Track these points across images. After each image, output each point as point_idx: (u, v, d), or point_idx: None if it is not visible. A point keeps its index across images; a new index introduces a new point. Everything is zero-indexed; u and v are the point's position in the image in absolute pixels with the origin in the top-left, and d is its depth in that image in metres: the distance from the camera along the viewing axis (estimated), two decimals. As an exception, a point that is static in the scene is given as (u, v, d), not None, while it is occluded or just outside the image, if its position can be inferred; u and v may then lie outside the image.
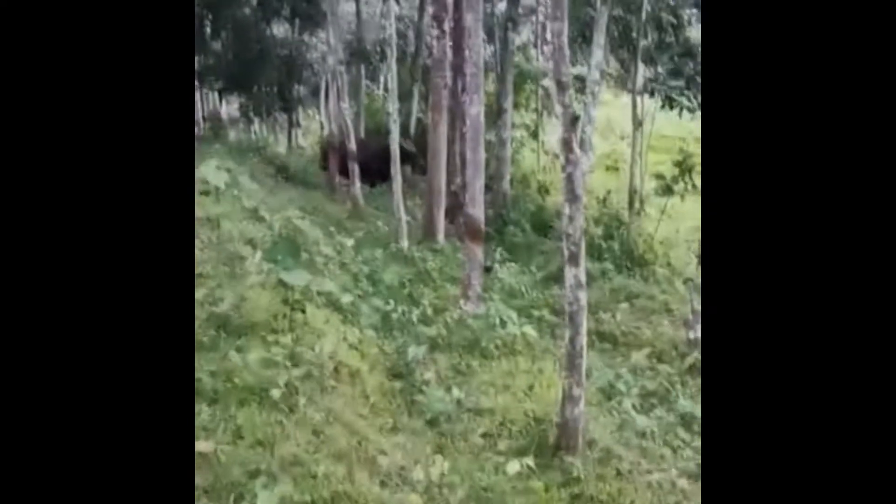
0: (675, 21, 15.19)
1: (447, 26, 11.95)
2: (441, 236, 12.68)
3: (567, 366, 5.24)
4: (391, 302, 8.92)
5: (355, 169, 14.55)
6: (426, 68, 19.25)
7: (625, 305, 11.19)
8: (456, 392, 6.25)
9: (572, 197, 4.92)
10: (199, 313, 5.07)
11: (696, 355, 8.67)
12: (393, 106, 11.42)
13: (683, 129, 24.21)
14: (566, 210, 4.95)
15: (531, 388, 6.78)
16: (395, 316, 8.38)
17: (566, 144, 4.87)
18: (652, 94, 16.34)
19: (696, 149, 17.66)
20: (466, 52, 8.32)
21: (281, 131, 28.86)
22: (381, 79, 29.26)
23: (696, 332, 9.04)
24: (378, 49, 20.29)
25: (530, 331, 8.45)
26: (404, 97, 26.13)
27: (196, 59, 24.65)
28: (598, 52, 11.04)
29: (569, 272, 5.08)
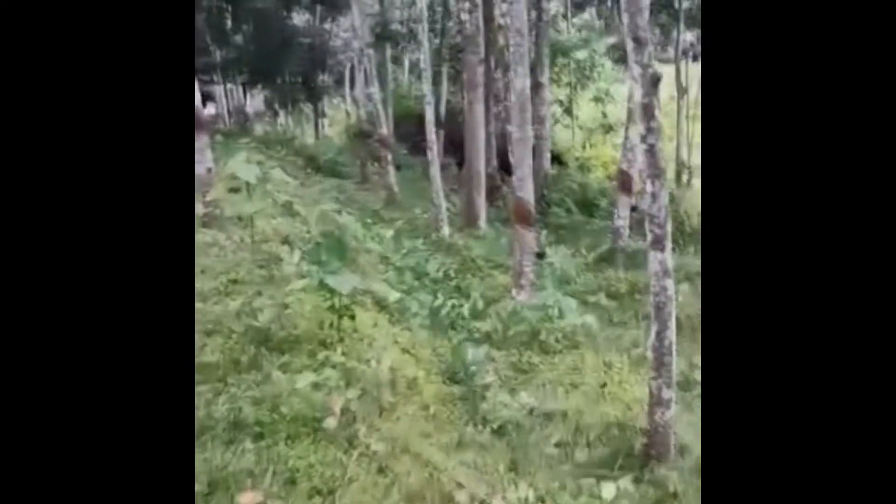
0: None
1: (479, -1, 11.25)
2: (483, 222, 12.02)
3: (655, 364, 4.58)
4: (439, 296, 8.33)
5: (388, 156, 13.92)
6: (453, 48, 18.54)
7: (685, 286, 10.44)
8: (522, 396, 5.63)
9: (655, 172, 4.24)
10: (236, 326, 4.49)
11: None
12: (427, 87, 10.73)
13: None
14: (649, 187, 4.28)
15: (603, 386, 6.15)
16: (444, 311, 7.78)
17: (646, 111, 4.21)
18: (695, 58, 15.52)
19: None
20: (508, 20, 7.61)
21: (307, 122, 28.35)
22: (406, 61, 28.66)
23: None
24: (407, 28, 19.52)
25: (591, 320, 7.79)
26: (432, 79, 25.67)
27: (218, 52, 24.29)
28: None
29: (653, 258, 4.42)
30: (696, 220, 12.89)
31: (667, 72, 19.17)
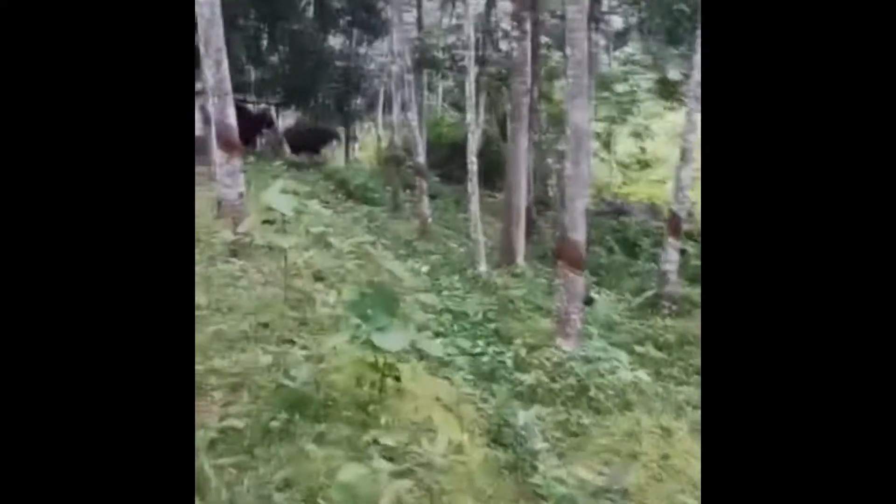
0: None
1: (528, 25, 10.76)
2: (521, 258, 11.44)
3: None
4: (479, 342, 7.75)
5: (423, 185, 13.40)
6: (492, 76, 18.10)
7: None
8: (579, 470, 5.00)
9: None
10: (266, 382, 3.93)
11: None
12: (471, 115, 10.21)
13: None
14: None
15: (665, 458, 5.51)
16: (485, 359, 7.19)
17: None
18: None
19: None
20: (568, 50, 7.07)
21: (338, 145, 28.06)
22: (439, 88, 28.35)
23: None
24: (449, 55, 19.12)
25: (643, 376, 7.17)
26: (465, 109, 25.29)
27: (252, 72, 24.13)
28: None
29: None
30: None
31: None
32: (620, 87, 18.88)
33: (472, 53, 10.23)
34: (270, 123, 22.54)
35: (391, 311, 3.60)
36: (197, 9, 7.38)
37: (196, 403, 3.85)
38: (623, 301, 10.67)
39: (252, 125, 19.77)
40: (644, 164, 21.94)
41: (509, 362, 7.17)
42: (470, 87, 10.15)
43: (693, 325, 10.14)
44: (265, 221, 5.40)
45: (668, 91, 16.97)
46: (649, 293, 10.60)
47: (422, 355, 5.91)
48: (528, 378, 6.87)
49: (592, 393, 6.68)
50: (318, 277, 7.00)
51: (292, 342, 4.56)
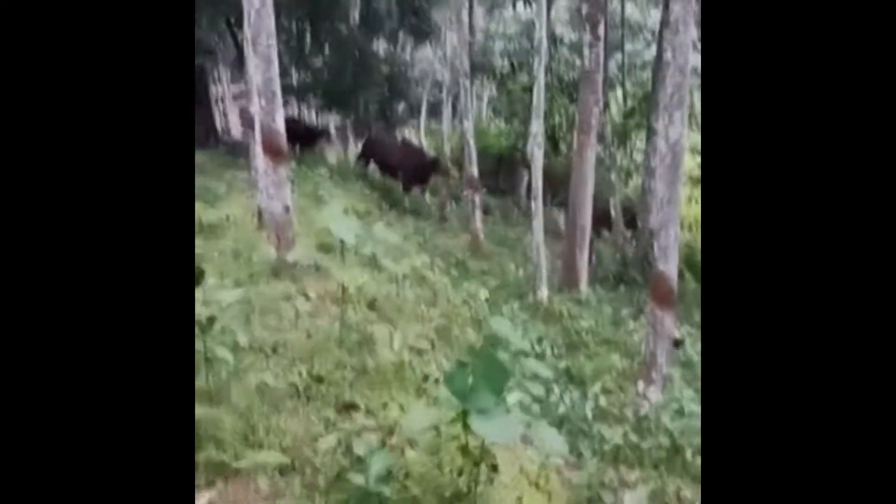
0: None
1: (601, 29, 9.80)
2: (584, 284, 10.45)
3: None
4: (552, 386, 6.79)
5: (476, 199, 12.48)
6: (554, 84, 17.13)
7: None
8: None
9: None
10: (324, 464, 3.02)
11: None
12: (537, 126, 9.26)
13: None
14: None
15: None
16: (561, 410, 6.23)
17: None
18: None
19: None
20: (670, 55, 6.11)
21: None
22: (485, 96, 27.53)
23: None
24: (508, 60, 18.22)
25: (743, 433, 6.13)
26: (510, 118, 24.37)
27: (294, 75, 23.48)
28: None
29: None
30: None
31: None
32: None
33: (543, 59, 9.26)
34: (328, 139, 21.33)
35: (498, 388, 2.68)
36: (245, 2, 6.57)
37: (232, 491, 2.96)
38: (696, 331, 9.59)
39: (308, 138, 18.41)
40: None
41: (589, 413, 6.21)
42: (539, 96, 9.19)
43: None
44: (321, 248, 4.51)
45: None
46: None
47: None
48: (613, 434, 5.90)
49: (689, 456, 5.69)
50: (372, 306, 6.11)
51: (354, 406, 3.65)
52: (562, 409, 6.19)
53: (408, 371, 4.45)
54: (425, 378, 4.45)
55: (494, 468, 3.14)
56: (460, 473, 3.10)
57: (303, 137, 18.07)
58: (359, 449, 3.00)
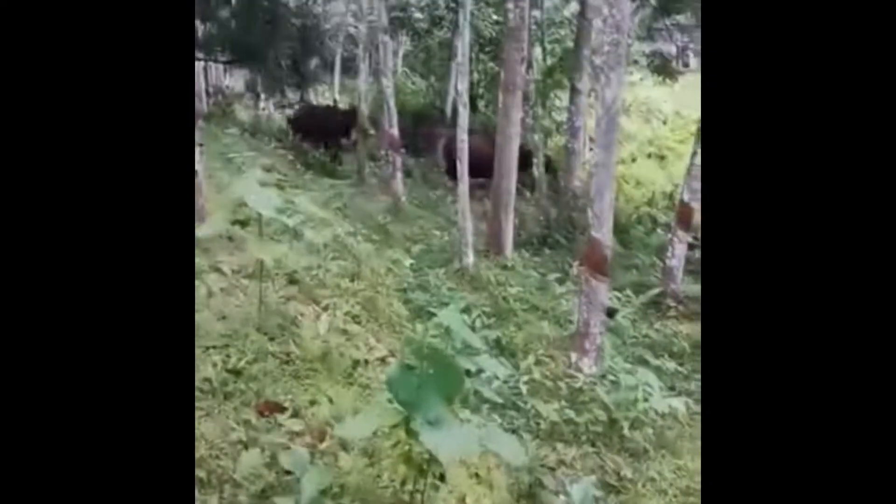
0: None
1: (527, -16, 9.41)
2: (510, 249, 10.20)
3: None
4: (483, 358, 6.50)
5: (397, 160, 12.01)
6: (477, 41, 16.64)
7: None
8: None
9: None
10: (250, 483, 2.60)
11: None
12: (463, 85, 8.80)
13: None
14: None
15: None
16: (495, 385, 5.95)
17: None
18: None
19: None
20: (606, 10, 5.77)
21: (290, 108, 26.36)
22: (399, 52, 26.83)
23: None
24: (428, 15, 17.57)
25: (678, 404, 6.02)
26: (427, 75, 23.77)
27: (201, 27, 22.22)
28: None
29: None
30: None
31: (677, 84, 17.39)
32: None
33: (468, 12, 8.80)
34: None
35: (449, 396, 2.32)
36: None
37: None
38: (624, 298, 9.48)
39: (333, 128, 16.63)
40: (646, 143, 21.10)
41: (524, 388, 5.95)
42: (464, 52, 8.73)
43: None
44: (236, 222, 4.03)
45: (662, 65, 15.83)
46: (655, 291, 9.45)
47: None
48: (548, 410, 5.66)
49: (626, 431, 5.53)
50: (293, 280, 5.64)
51: (280, 408, 3.22)
52: (496, 385, 5.92)
53: (335, 357, 4.05)
54: (355, 364, 4.07)
55: (441, 477, 2.79)
56: (403, 484, 2.74)
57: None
58: (286, 462, 2.60)
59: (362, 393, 3.82)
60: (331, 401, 3.51)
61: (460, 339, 3.02)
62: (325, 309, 5.16)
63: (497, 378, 6.04)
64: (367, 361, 4.48)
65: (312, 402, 3.42)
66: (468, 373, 5.03)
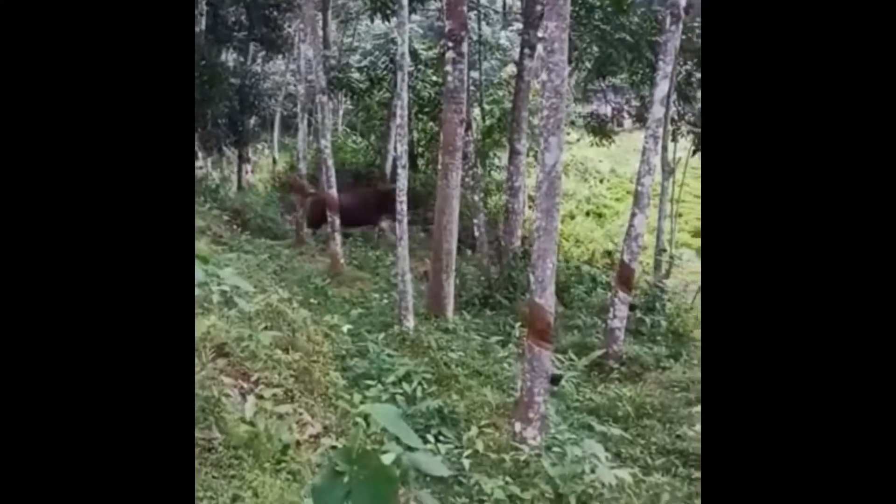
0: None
1: (465, 47, 9.44)
2: (451, 311, 10.01)
3: None
4: (423, 430, 6.23)
5: (335, 221, 11.78)
6: (416, 101, 16.70)
7: (699, 409, 8.63)
8: None
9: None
10: None
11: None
12: (401, 147, 8.68)
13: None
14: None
15: None
16: (438, 458, 5.69)
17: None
18: (674, 136, 14.14)
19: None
20: (545, 75, 5.74)
21: (227, 166, 26.03)
22: (340, 111, 26.83)
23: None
24: (367, 76, 17.54)
25: (625, 475, 5.84)
26: (367, 134, 23.81)
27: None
28: (665, 84, 8.64)
29: None
30: (690, 323, 11.21)
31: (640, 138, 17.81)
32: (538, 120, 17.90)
33: (406, 74, 8.74)
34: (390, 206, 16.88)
35: (384, 501, 2.08)
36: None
37: None
38: (567, 362, 9.34)
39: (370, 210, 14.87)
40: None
41: (466, 463, 5.70)
42: (403, 113, 8.64)
43: (646, 391, 9.00)
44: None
45: (598, 127, 16.11)
46: (598, 353, 9.35)
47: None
48: (490, 485, 5.42)
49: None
50: (222, 353, 5.33)
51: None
52: (438, 459, 5.65)
53: (263, 441, 3.76)
54: (284, 449, 3.78)
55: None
56: None
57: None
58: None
59: (292, 482, 3.53)
60: (256, 494, 3.21)
61: (396, 437, 2.79)
62: (256, 383, 4.86)
63: (439, 453, 5.81)
64: (298, 443, 4.19)
65: (235, 499, 3.12)
66: (410, 448, 4.77)
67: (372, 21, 18.55)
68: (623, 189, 24.31)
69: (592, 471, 5.64)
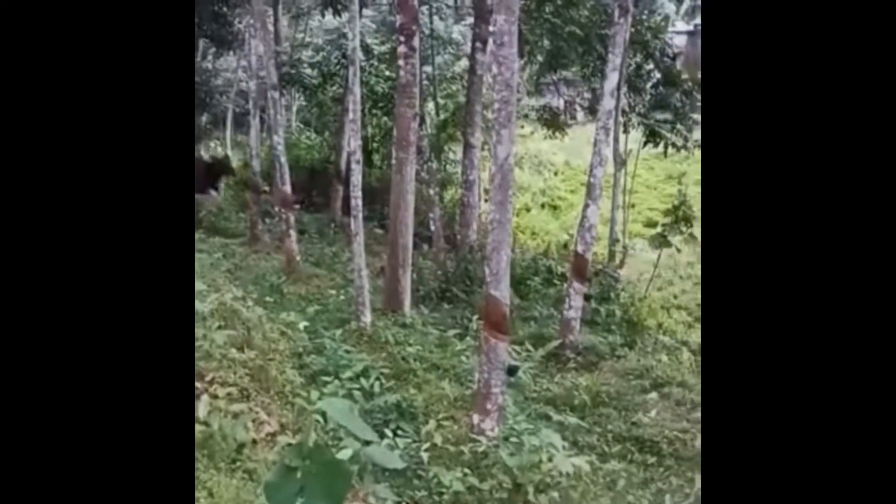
0: (662, 45, 13.21)
1: (416, 41, 9.44)
2: (408, 306, 10.03)
3: None
4: (382, 425, 6.24)
5: (290, 218, 11.70)
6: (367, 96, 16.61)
7: (654, 396, 8.80)
8: None
9: None
10: None
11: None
12: (355, 142, 8.67)
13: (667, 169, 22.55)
14: None
15: None
16: (396, 452, 5.70)
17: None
18: (626, 128, 14.32)
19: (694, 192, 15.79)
20: (496, 69, 5.77)
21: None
22: (293, 107, 26.60)
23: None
24: (319, 71, 17.41)
25: (581, 463, 5.92)
26: (322, 130, 23.62)
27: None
28: (614, 76, 8.75)
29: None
30: (644, 312, 11.39)
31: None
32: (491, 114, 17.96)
33: (357, 69, 8.70)
34: (230, 172, 18.90)
35: (337, 498, 2.09)
36: None
37: None
38: (524, 352, 9.42)
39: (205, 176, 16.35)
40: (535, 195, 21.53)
41: (425, 456, 5.72)
42: (355, 109, 8.62)
43: (602, 380, 9.13)
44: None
45: (551, 119, 16.23)
46: (554, 343, 9.43)
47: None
48: (448, 477, 5.45)
49: (531, 496, 5.37)
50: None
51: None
52: (396, 454, 5.67)
53: (218, 441, 3.74)
54: (240, 448, 3.76)
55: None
56: None
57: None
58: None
59: (248, 481, 3.52)
60: (211, 494, 3.19)
61: (349, 431, 2.80)
62: (211, 383, 4.82)
63: (398, 447, 5.83)
64: (255, 441, 4.17)
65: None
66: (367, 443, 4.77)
67: (323, 16, 18.44)
68: (577, 181, 24.50)
69: (550, 460, 5.69)
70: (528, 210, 23.40)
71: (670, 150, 13.86)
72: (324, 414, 5.13)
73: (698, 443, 7.76)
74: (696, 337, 11.17)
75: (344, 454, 3.26)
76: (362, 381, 7.15)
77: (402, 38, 9.28)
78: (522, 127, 18.11)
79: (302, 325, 8.10)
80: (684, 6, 21.50)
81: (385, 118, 17.98)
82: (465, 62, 17.65)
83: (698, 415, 8.55)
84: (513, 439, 6.04)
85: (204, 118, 24.89)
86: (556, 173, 25.19)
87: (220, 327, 6.10)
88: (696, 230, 14.65)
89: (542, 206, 24.58)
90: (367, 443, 2.78)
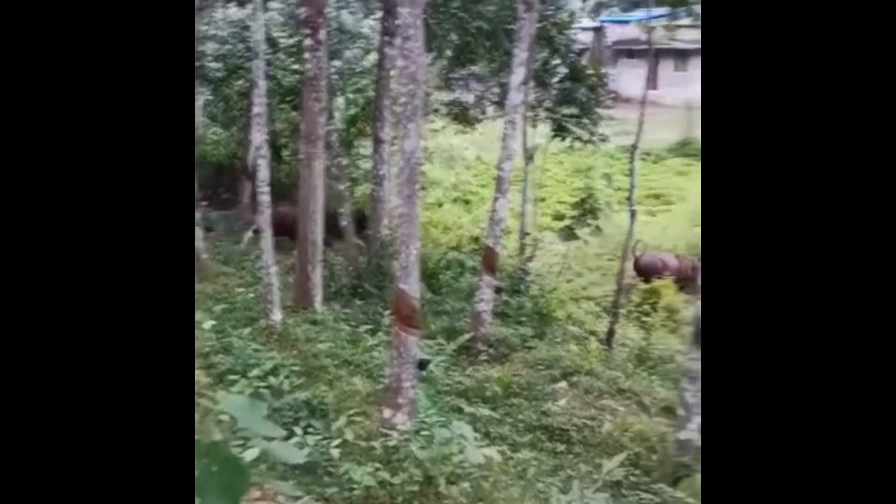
0: (568, 41, 13.46)
1: (322, 34, 9.33)
2: (319, 303, 9.91)
3: None
4: (291, 423, 6.15)
5: (196, 215, 11.38)
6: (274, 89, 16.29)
7: (563, 385, 8.99)
8: None
9: None
10: None
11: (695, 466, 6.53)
12: (260, 137, 8.49)
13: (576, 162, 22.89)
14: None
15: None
16: (305, 452, 5.62)
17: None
18: (534, 122, 14.53)
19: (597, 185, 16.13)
20: (401, 62, 5.76)
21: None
22: (199, 101, 25.86)
23: (691, 431, 6.89)
24: (225, 64, 16.95)
25: (492, 453, 6.01)
26: (228, 125, 23.06)
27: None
28: (521, 71, 8.87)
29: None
30: (553, 303, 11.58)
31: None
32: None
33: (262, 62, 8.54)
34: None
35: (235, 495, 2.05)
36: None
37: None
38: (436, 346, 9.46)
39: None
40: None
41: (335, 452, 5.67)
42: (260, 101, 8.44)
43: (513, 371, 9.25)
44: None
45: (460, 114, 16.31)
46: (466, 336, 9.50)
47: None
48: (360, 472, 5.42)
49: (443, 488, 5.41)
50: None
51: None
52: (305, 451, 5.60)
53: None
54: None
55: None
56: None
57: None
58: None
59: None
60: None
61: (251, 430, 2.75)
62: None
63: (307, 445, 5.76)
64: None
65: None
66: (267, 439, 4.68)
67: (227, 8, 18.00)
68: (489, 175, 24.69)
69: (461, 451, 5.73)
70: (440, 205, 23.44)
71: (577, 144, 14.14)
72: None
73: (605, 429, 8.00)
74: (603, 327, 11.45)
75: (251, 453, 3.20)
76: (271, 379, 7.04)
77: (308, 31, 9.17)
78: (433, 122, 18.17)
79: (207, 324, 7.90)
80: (589, 3, 21.98)
81: (293, 112, 17.69)
82: (374, 56, 17.58)
83: (605, 402, 8.81)
84: (424, 432, 6.05)
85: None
86: (467, 168, 25.35)
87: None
88: (602, 223, 15.06)
89: (454, 200, 24.67)
90: (271, 440, 2.72)
